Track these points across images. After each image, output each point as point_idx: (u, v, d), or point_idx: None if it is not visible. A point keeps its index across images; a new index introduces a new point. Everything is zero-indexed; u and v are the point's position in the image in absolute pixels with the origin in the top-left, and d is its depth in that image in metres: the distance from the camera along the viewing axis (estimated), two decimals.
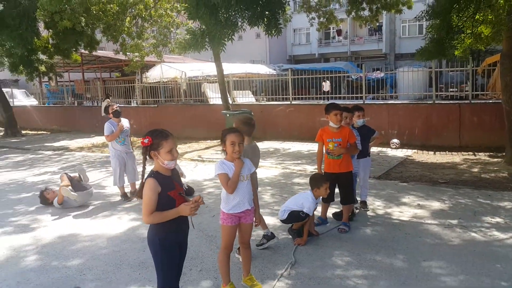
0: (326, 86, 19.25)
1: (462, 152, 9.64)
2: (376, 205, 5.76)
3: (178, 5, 10.37)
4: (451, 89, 16.11)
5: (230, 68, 19.32)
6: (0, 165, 9.81)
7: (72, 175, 6.21)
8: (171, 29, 11.43)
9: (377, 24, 31.75)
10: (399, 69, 18.92)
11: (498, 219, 5.07)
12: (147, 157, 2.66)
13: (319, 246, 4.36)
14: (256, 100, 16.13)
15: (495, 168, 7.89)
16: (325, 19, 10.82)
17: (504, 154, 8.56)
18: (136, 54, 11.55)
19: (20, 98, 21.53)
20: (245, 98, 15.38)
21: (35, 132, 17.53)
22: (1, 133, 16.21)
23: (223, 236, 3.32)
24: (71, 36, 12.78)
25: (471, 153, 9.51)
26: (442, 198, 6.01)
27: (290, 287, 3.49)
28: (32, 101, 21.62)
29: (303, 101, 13.02)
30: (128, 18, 10.69)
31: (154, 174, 2.63)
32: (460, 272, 3.71)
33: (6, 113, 15.97)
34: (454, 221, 5.03)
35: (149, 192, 2.56)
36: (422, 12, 7.62)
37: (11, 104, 18.37)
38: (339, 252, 4.19)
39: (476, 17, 7.72)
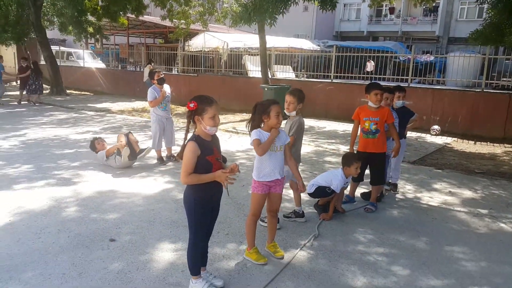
0: (370, 66, 18.70)
1: (505, 144, 9.23)
2: (406, 189, 5.72)
3: None
4: (504, 79, 15.22)
5: (273, 41, 19.08)
6: (45, 121, 10.42)
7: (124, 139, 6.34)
8: None
9: (433, 4, 30.13)
10: (450, 53, 18.01)
11: None
12: (191, 121, 2.81)
13: (344, 222, 4.44)
14: (296, 76, 15.97)
15: None
16: None
17: None
18: (182, 21, 11.62)
19: (87, 60, 21.98)
20: (285, 73, 15.27)
21: (79, 92, 18.34)
22: (47, 91, 17.08)
23: (252, 203, 3.44)
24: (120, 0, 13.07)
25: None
26: (475, 188, 5.87)
27: (312, 257, 3.61)
28: (98, 64, 21.70)
29: (345, 80, 12.73)
30: None
31: (195, 138, 2.78)
32: (483, 259, 3.70)
33: (54, 72, 16.72)
34: (484, 211, 4.93)
35: (189, 154, 2.71)
36: None
37: (81, 65, 19.07)
38: (363, 230, 4.26)
39: None
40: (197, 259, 2.97)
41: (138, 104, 14.28)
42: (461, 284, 3.26)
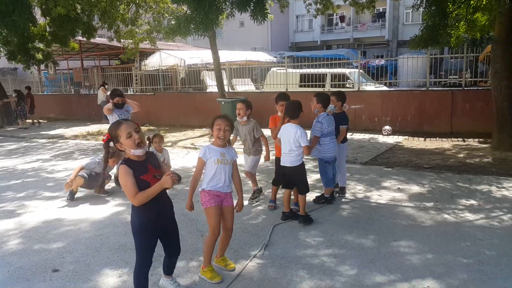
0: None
1: (453, 139, 9.70)
2: (357, 189, 5.87)
3: None
4: (451, 76, 16.09)
5: (230, 56, 19.29)
6: None
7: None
8: (166, 15, 11.38)
9: (379, 10, 31.54)
10: (400, 56, 18.85)
11: (472, 201, 5.19)
12: (114, 152, 2.77)
13: (295, 228, 4.49)
14: (256, 88, 16.18)
15: (481, 154, 7.96)
16: (321, 5, 10.73)
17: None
18: (130, 41, 11.53)
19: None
20: (245, 86, 15.42)
21: (31, 120, 17.64)
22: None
23: (209, 220, 3.37)
24: (68, 23, 12.77)
25: (461, 139, 9.57)
26: (422, 182, 6.11)
27: (261, 267, 3.62)
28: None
29: (300, 89, 13.06)
30: (122, 5, 10.68)
31: (124, 161, 2.72)
32: (427, 251, 3.84)
33: (2, 101, 16.07)
34: (430, 204, 5.14)
35: (123, 177, 2.66)
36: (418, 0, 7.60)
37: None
38: (313, 233, 4.32)
39: (471, 3, 7.69)
40: (143, 282, 2.92)
41: (93, 128, 13.93)
42: (406, 277, 3.36)
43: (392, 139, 9.92)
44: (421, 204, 5.15)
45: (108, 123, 6.20)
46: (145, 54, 20.86)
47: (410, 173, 6.69)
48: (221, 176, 3.37)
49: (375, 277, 3.39)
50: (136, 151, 2.69)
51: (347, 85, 12.79)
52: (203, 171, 3.40)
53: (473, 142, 9.18)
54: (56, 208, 5.41)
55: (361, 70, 12.48)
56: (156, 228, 2.85)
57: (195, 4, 5.46)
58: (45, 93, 20.44)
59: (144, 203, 2.70)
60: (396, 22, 31.98)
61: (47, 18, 15.02)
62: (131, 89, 16.91)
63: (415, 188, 5.85)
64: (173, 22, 6.32)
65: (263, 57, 24.43)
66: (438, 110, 10.51)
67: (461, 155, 7.93)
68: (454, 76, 16.08)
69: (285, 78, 13.04)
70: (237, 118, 5.16)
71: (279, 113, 5.14)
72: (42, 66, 21.09)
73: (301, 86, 13.15)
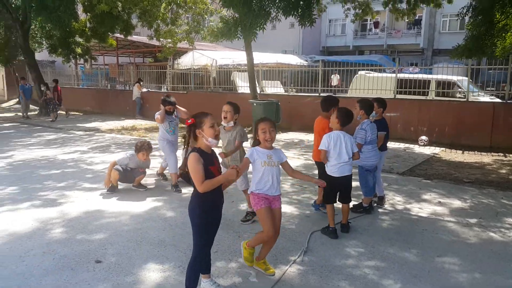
0: (335, 79, 18.92)
1: (493, 153, 9.34)
2: (396, 200, 5.72)
3: None
4: (488, 88, 15.52)
5: (261, 58, 19.32)
6: (33, 142, 10.29)
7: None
8: (205, 16, 11.52)
9: (416, 17, 30.80)
10: (435, 65, 18.35)
11: None
12: (192, 136, 2.96)
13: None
14: (285, 90, 16.13)
15: None
16: (360, 11, 10.57)
17: None
18: (169, 40, 11.73)
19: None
20: (274, 88, 15.41)
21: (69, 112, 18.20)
22: (36, 112, 16.94)
23: (261, 222, 3.43)
24: (108, 20, 13.15)
25: (501, 154, 9.20)
26: (463, 197, 5.89)
27: (301, 273, 3.56)
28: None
29: (398, 96, 12.73)
30: (163, 4, 10.91)
31: (196, 150, 2.90)
32: (474, 269, 3.68)
33: (42, 92, 16.62)
34: (474, 220, 4.94)
35: (194, 164, 2.82)
36: (464, 8, 7.35)
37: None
38: (353, 243, 4.23)
39: None
40: (194, 278, 3.04)
41: (128, 123, 14.22)
42: None
43: (428, 150, 9.64)
44: (464, 220, 4.96)
45: (142, 118, 6.21)
46: (178, 53, 21.19)
47: (450, 187, 6.46)
48: (269, 178, 3.39)
49: None
50: (213, 141, 2.92)
51: (457, 95, 11.59)
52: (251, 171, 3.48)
53: None
54: (96, 199, 5.53)
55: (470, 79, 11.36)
56: (212, 217, 3.01)
57: (246, 9, 5.48)
58: (81, 86, 21.07)
59: (207, 193, 2.86)
60: (432, 30, 31.17)
61: (88, 14, 15.53)
62: (165, 87, 17.20)
63: (456, 203, 5.64)
64: (220, 25, 6.36)
65: (294, 60, 24.35)
66: (477, 123, 10.12)
67: (503, 171, 7.62)
68: (492, 88, 15.52)
69: (378, 83, 11.60)
70: (222, 123, 4.60)
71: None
72: (80, 60, 21.79)
73: (399, 92, 11.48)
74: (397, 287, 3.37)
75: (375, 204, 5.42)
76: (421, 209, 5.36)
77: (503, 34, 7.96)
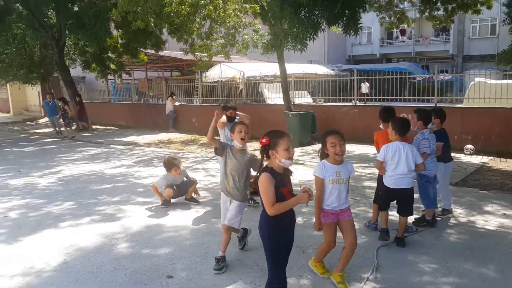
0: (365, 87, 18.65)
1: None
2: (457, 212, 5.50)
3: (246, 6, 10.56)
4: None
5: (288, 68, 19.33)
6: (77, 157, 10.53)
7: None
8: (239, 29, 11.65)
9: (443, 24, 30.27)
10: (469, 71, 17.88)
11: None
12: (265, 156, 2.88)
13: (401, 251, 4.25)
14: (313, 100, 16.07)
15: None
16: (396, 19, 10.44)
17: None
18: (205, 54, 11.91)
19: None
20: (302, 98, 15.36)
21: (104, 127, 18.66)
22: (74, 127, 17.41)
23: (324, 234, 3.45)
24: (141, 36, 13.47)
25: None
26: None
27: None
28: None
29: (369, 103, 12.71)
30: (197, 19, 11.10)
31: (268, 170, 2.82)
32: None
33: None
34: None
35: (266, 184, 2.74)
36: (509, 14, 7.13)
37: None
38: (424, 259, 4.06)
39: None
40: None
41: (163, 136, 14.40)
42: None
43: (476, 159, 9.30)
44: None
45: (176, 132, 6.11)
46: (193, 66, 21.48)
47: (510, 198, 6.18)
48: (336, 195, 3.32)
49: None
50: (286, 162, 2.81)
51: None
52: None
53: None
54: (152, 213, 5.56)
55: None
56: (283, 239, 2.90)
57: (297, 19, 5.49)
58: (112, 101, 21.59)
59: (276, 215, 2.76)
60: (461, 36, 30.49)
61: (119, 31, 15.98)
62: (196, 100, 17.41)
63: None
64: (268, 38, 6.41)
65: (320, 69, 24.25)
66: None
67: None
68: None
69: (498, 91, 10.45)
70: (235, 142, 3.86)
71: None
72: (111, 75, 22.37)
73: None
74: None
75: (438, 215, 5.24)
76: (487, 222, 5.12)
77: None
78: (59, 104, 15.08)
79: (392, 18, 10.93)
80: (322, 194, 3.33)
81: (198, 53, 12.86)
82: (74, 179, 7.78)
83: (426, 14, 10.38)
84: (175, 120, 16.34)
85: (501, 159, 9.34)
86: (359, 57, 34.87)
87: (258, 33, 12.62)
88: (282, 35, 5.89)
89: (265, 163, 2.94)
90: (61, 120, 15.12)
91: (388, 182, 4.34)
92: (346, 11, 5.47)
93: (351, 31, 5.88)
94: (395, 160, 4.24)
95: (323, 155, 3.37)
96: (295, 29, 5.67)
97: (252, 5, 10.70)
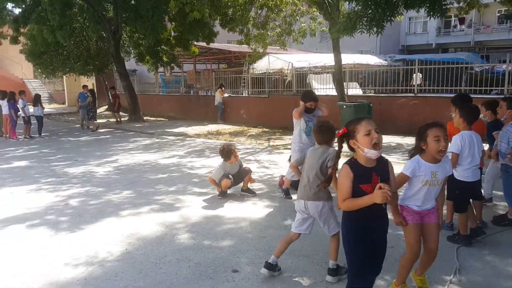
0: (417, 79, 17.56)
1: None
2: None
3: None
4: None
5: None
6: (132, 147, 10.79)
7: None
8: (296, 17, 11.30)
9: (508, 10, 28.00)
10: None
11: None
12: (349, 148, 2.57)
13: (483, 251, 3.86)
14: (363, 92, 15.48)
15: None
16: (465, 4, 9.59)
17: None
18: (260, 44, 11.66)
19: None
20: (352, 89, 14.80)
21: (155, 118, 19.13)
22: (126, 118, 17.98)
23: (406, 237, 3.00)
24: (195, 28, 13.54)
25: None
26: None
27: None
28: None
29: (431, 94, 11.98)
30: (253, 9, 10.93)
31: (350, 161, 2.52)
32: None
33: (132, 100, 17.61)
34: None
35: (341, 178, 2.50)
36: None
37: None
38: (510, 262, 3.64)
39: None
40: None
41: (212, 127, 14.48)
42: None
43: None
44: None
45: (224, 123, 5.91)
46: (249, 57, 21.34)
47: None
48: (427, 197, 2.92)
49: None
50: (370, 152, 2.42)
51: None
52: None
53: None
54: (210, 204, 5.48)
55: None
56: (365, 241, 2.54)
57: (371, 1, 5.14)
58: (161, 93, 22.08)
59: (353, 212, 2.48)
60: None
61: (172, 23, 16.16)
62: (245, 91, 17.34)
63: None
64: (342, 20, 6.06)
65: (372, 60, 23.28)
66: None
67: None
68: None
69: None
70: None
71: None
72: (161, 68, 22.90)
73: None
74: None
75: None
76: None
77: None
78: (86, 94, 14.94)
79: (462, 3, 9.99)
80: (396, 189, 2.85)
81: (252, 45, 12.65)
82: (129, 169, 7.92)
83: None
84: (223, 111, 16.38)
85: None
86: (413, 47, 33.22)
87: (316, 21, 12.18)
88: (355, 17, 5.51)
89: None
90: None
91: (465, 175, 3.98)
92: None
93: (437, 14, 5.40)
94: (472, 151, 3.91)
95: (418, 150, 2.92)
96: (370, 11, 5.29)
97: None
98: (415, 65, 12.11)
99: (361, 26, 5.66)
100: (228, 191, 5.86)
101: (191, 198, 5.75)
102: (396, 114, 11.33)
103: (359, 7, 5.48)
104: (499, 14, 29.28)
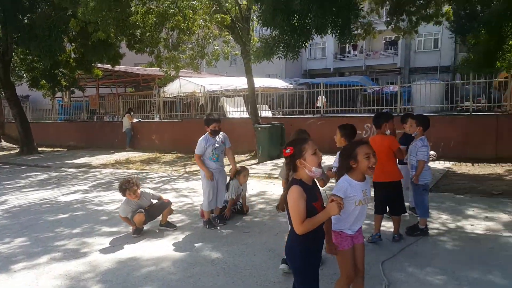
0: (320, 101, 19.01)
1: (501, 164, 9.29)
2: (443, 219, 5.44)
3: (217, 16, 10.16)
4: (467, 102, 16.01)
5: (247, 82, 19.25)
6: (24, 184, 9.45)
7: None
8: (209, 40, 11.16)
9: (392, 38, 31.84)
10: (415, 82, 18.83)
11: None
12: (292, 168, 2.58)
13: (405, 264, 4.02)
14: (273, 114, 16.09)
15: None
16: (362, 31, 10.56)
17: None
18: (172, 66, 11.21)
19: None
20: (263, 111, 15.22)
21: (51, 149, 17.26)
22: (17, 151, 15.94)
23: (341, 264, 2.92)
24: (99, 49, 12.63)
25: (510, 164, 9.15)
26: (507, 210, 5.72)
27: None
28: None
29: (334, 114, 12.86)
30: (164, 30, 10.55)
31: (298, 182, 2.50)
32: None
33: (24, 129, 15.68)
34: None
35: (296, 199, 2.44)
36: (475, 24, 7.41)
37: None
38: (430, 270, 3.87)
39: None
40: None
41: (120, 156, 13.50)
42: None
43: (439, 165, 9.47)
44: None
45: (133, 150, 5.64)
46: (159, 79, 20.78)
47: (485, 200, 6.26)
48: (358, 218, 2.91)
49: None
50: (317, 170, 2.52)
51: None
52: None
53: None
54: (123, 245, 4.89)
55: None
56: (316, 260, 2.63)
57: (288, 27, 5.25)
58: (58, 120, 20.17)
59: (305, 235, 2.47)
60: (408, 49, 32.25)
61: (73, 44, 14.93)
62: (157, 115, 16.68)
63: (504, 217, 5.41)
64: (260, 46, 6.06)
65: (279, 83, 24.39)
66: (482, 135, 10.11)
67: None
68: (470, 102, 16.01)
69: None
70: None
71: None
72: (58, 94, 20.99)
73: None
74: None
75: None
76: (474, 226, 5.09)
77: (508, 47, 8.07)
78: None
79: (359, 30, 11.02)
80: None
81: (163, 68, 12.17)
82: (23, 210, 6.83)
83: (392, 25, 10.64)
84: (132, 138, 15.47)
85: (461, 163, 9.62)
86: (314, 71, 35.74)
87: (229, 45, 12.23)
88: (273, 43, 5.62)
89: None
90: None
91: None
92: (340, 20, 5.31)
93: (346, 39, 5.76)
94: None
95: (346, 169, 2.87)
96: (286, 37, 5.43)
97: (224, 15, 10.33)
98: (320, 88, 12.82)
99: (278, 51, 5.78)
100: (145, 227, 5.34)
101: (100, 240, 5.08)
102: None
103: (276, 33, 5.59)
104: (384, 41, 33.09)
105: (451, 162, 9.80)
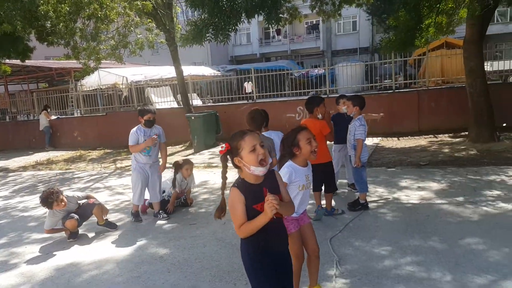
0: (249, 87, 19.29)
1: (424, 136, 10.11)
2: (380, 192, 5.75)
3: (138, 2, 9.47)
4: (386, 81, 17.28)
5: (173, 71, 18.63)
6: None
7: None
8: (131, 29, 10.41)
9: (313, 22, 32.88)
10: (338, 64, 19.77)
11: (497, 192, 5.29)
12: (234, 166, 2.29)
13: (351, 238, 4.17)
14: (202, 102, 15.85)
15: (463, 147, 8.35)
16: (288, 15, 10.65)
17: (466, 134, 9.14)
18: (92, 58, 10.28)
19: None
20: (193, 100, 14.90)
21: None
22: None
23: (292, 246, 2.82)
24: (6, 43, 11.24)
25: (432, 136, 10.00)
26: (436, 179, 6.16)
27: (352, 286, 3.23)
28: None
29: (267, 99, 12.98)
30: (79, 19, 9.62)
31: (238, 183, 2.25)
32: (499, 245, 3.73)
33: None
34: (461, 199, 5.14)
35: (232, 203, 2.22)
36: (396, 5, 7.83)
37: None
38: (375, 242, 4.04)
39: (439, 7, 8.12)
40: None
41: (40, 156, 12.35)
42: (505, 275, 3.21)
43: (368, 141, 9.96)
44: (453, 200, 5.12)
45: (54, 149, 5.27)
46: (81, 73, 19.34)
47: (415, 171, 6.74)
48: (303, 201, 2.95)
49: (474, 280, 3.18)
50: (257, 169, 2.19)
51: None
52: None
53: (444, 138, 9.65)
54: (59, 251, 4.47)
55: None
56: (269, 259, 2.33)
57: (217, 9, 5.02)
58: None
59: (252, 237, 2.24)
60: (329, 33, 33.50)
61: None
62: (78, 111, 15.45)
63: (434, 185, 5.85)
64: (189, 29, 5.71)
65: (206, 71, 23.99)
66: (405, 111, 10.92)
67: (446, 150, 8.23)
68: (388, 80, 17.33)
69: None
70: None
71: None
72: None
73: None
74: (449, 278, 3.24)
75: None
76: (409, 196, 5.43)
77: (424, 26, 8.70)
78: None
79: (285, 14, 11.10)
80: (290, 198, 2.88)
81: (81, 59, 11.16)
82: None
83: (317, 9, 10.86)
84: (52, 136, 14.21)
85: (388, 138, 10.30)
86: (241, 57, 35.72)
87: (153, 32, 11.59)
88: (202, 25, 5.35)
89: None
90: None
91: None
92: (269, 1, 5.23)
93: (273, 22, 5.69)
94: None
95: (289, 156, 2.87)
96: (216, 19, 5.21)
97: (144, 1, 9.70)
98: (252, 74, 12.80)
99: (208, 35, 5.57)
100: (82, 230, 4.91)
101: (32, 249, 4.60)
102: (241, 121, 11.61)
103: (205, 15, 5.37)
104: (306, 26, 34.10)
105: (379, 138, 10.44)
